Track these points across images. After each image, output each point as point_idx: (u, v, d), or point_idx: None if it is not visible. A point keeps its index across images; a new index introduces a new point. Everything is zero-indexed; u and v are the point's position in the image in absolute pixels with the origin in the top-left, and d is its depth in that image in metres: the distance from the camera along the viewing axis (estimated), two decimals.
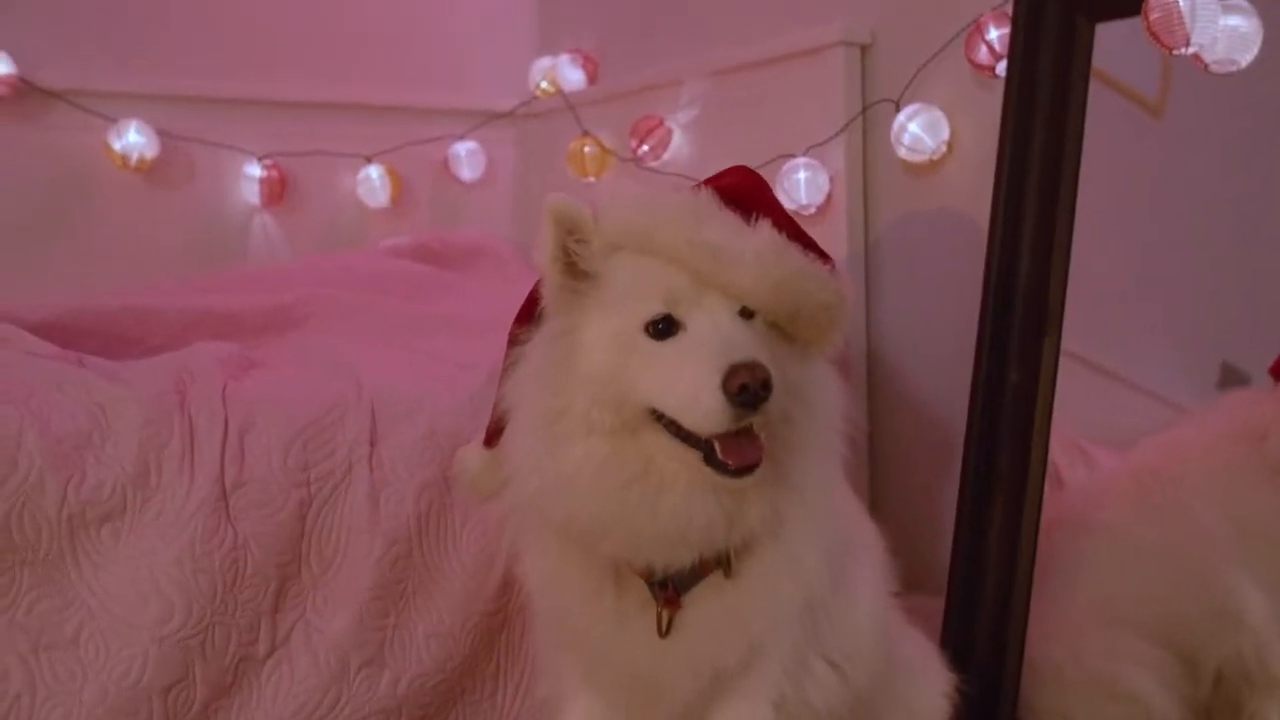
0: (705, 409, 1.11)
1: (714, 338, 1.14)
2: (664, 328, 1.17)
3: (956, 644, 1.81)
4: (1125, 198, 1.93)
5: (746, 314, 1.18)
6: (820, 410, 1.26)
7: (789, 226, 1.22)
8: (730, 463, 1.14)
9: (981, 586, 1.84)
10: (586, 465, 1.18)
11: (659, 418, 1.17)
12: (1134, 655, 1.78)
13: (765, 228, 1.18)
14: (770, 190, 1.29)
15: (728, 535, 1.21)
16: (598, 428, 1.18)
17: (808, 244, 1.22)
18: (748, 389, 1.10)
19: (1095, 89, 1.81)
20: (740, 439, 1.14)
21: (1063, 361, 1.82)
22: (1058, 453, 1.92)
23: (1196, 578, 1.79)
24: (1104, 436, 1.99)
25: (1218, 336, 1.86)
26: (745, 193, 1.24)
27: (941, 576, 1.92)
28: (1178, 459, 1.85)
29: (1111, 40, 1.82)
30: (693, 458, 1.16)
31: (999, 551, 1.83)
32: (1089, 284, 1.85)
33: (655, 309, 1.17)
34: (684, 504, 1.18)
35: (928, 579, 1.98)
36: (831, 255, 1.27)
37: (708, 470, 1.15)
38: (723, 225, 1.18)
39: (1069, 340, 1.82)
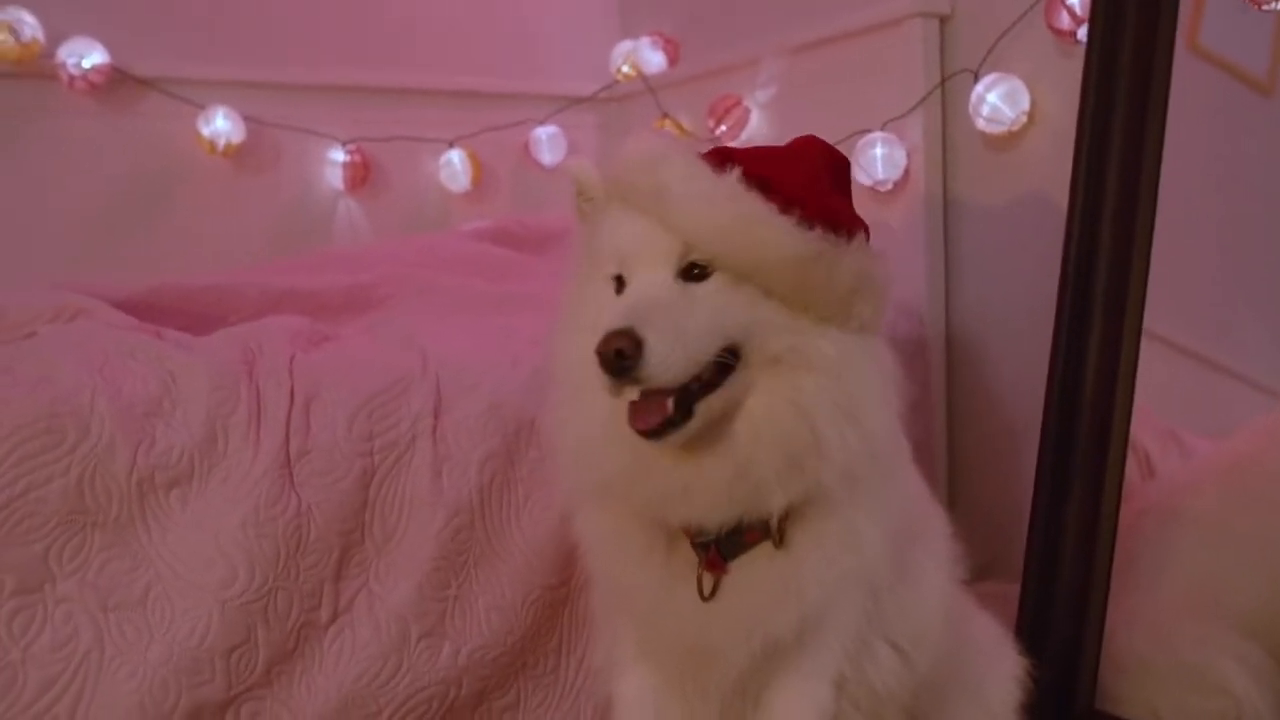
0: (597, 373, 1.12)
1: (624, 302, 1.16)
2: (620, 284, 1.19)
3: (1032, 630, 1.76)
4: (1231, 177, 1.85)
5: (700, 274, 1.16)
6: (842, 379, 1.18)
7: (789, 184, 1.17)
8: (633, 425, 1.14)
9: (1058, 571, 1.78)
10: (597, 419, 1.21)
11: None
12: (1225, 647, 1.71)
13: (730, 174, 1.16)
14: (798, 150, 1.24)
15: (750, 492, 1.17)
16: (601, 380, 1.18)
17: (815, 207, 1.17)
18: (605, 356, 1.09)
19: (1201, 68, 1.74)
20: (646, 402, 1.14)
21: (1155, 347, 1.75)
22: (1151, 441, 1.85)
23: None
24: (1200, 425, 1.90)
25: None
26: (762, 153, 1.22)
27: (1018, 562, 1.86)
28: (1277, 447, 1.76)
29: (1218, 17, 1.74)
30: None
31: (1077, 535, 1.77)
32: (1190, 267, 1.78)
33: (612, 268, 1.20)
34: (680, 456, 1.17)
35: (1004, 564, 1.93)
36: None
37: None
38: (681, 169, 1.17)
39: (1165, 325, 1.74)
